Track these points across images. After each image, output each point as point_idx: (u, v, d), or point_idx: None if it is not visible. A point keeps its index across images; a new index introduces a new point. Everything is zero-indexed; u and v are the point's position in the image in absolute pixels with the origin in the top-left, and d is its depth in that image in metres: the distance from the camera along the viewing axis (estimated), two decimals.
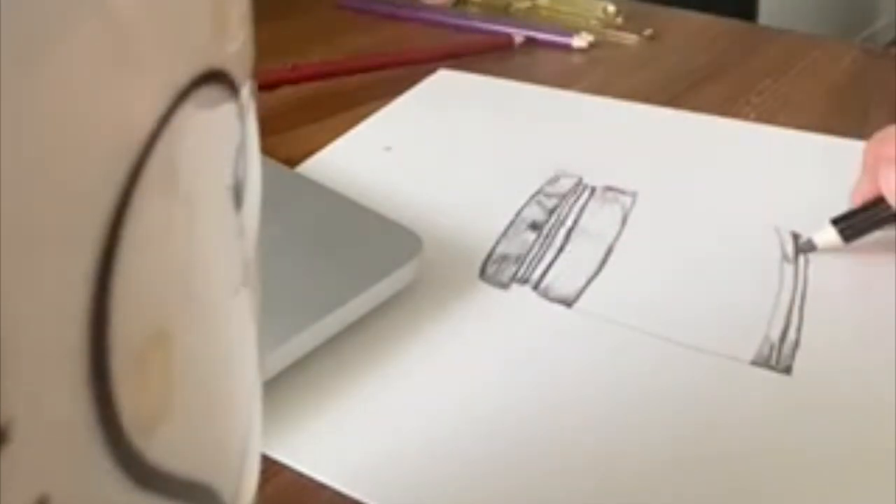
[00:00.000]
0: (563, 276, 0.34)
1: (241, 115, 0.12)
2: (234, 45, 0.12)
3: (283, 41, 0.54)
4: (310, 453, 0.27)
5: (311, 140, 0.44)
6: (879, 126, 0.37)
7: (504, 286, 0.34)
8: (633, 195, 0.38)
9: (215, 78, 0.11)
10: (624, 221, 0.37)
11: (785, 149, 0.43)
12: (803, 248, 0.36)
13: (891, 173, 0.34)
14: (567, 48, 0.55)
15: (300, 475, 0.26)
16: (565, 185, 0.40)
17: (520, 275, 0.34)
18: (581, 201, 0.38)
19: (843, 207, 0.36)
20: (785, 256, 0.34)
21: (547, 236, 0.36)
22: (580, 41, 0.55)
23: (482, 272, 0.34)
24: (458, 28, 0.58)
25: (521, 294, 0.33)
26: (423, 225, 0.35)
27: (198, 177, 0.11)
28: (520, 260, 0.35)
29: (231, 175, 0.12)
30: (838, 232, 0.35)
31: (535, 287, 0.34)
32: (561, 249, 0.36)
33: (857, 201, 0.36)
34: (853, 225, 0.35)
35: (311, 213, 0.35)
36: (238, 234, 0.13)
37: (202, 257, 0.12)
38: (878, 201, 0.35)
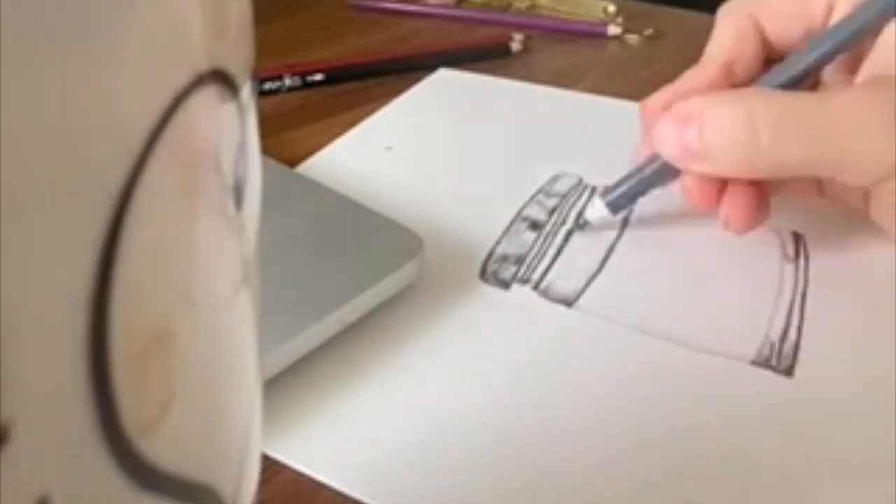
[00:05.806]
0: (563, 276, 0.34)
1: (241, 115, 0.12)
2: (235, 45, 0.12)
3: (284, 40, 0.54)
4: (310, 453, 0.27)
5: (311, 140, 0.44)
6: None
7: (504, 286, 0.34)
8: None
9: (215, 78, 0.11)
10: (624, 221, 0.37)
11: None
12: (581, 226, 0.36)
13: (660, 125, 0.33)
14: (577, 43, 0.56)
15: (300, 475, 0.26)
16: (565, 184, 0.40)
17: (520, 275, 0.34)
18: (581, 201, 0.38)
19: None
20: (785, 256, 0.34)
21: (547, 236, 0.36)
22: (615, 29, 0.57)
23: (482, 272, 0.34)
24: (460, 20, 0.59)
25: (521, 294, 0.33)
26: (423, 225, 0.35)
27: (198, 177, 0.11)
28: (520, 260, 0.35)
29: (231, 175, 0.12)
30: (605, 205, 0.36)
31: (536, 287, 0.34)
32: (561, 249, 0.36)
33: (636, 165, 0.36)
34: (622, 194, 0.35)
35: (311, 213, 0.35)
36: (238, 234, 0.13)
37: (202, 257, 0.12)
38: (644, 164, 0.35)
